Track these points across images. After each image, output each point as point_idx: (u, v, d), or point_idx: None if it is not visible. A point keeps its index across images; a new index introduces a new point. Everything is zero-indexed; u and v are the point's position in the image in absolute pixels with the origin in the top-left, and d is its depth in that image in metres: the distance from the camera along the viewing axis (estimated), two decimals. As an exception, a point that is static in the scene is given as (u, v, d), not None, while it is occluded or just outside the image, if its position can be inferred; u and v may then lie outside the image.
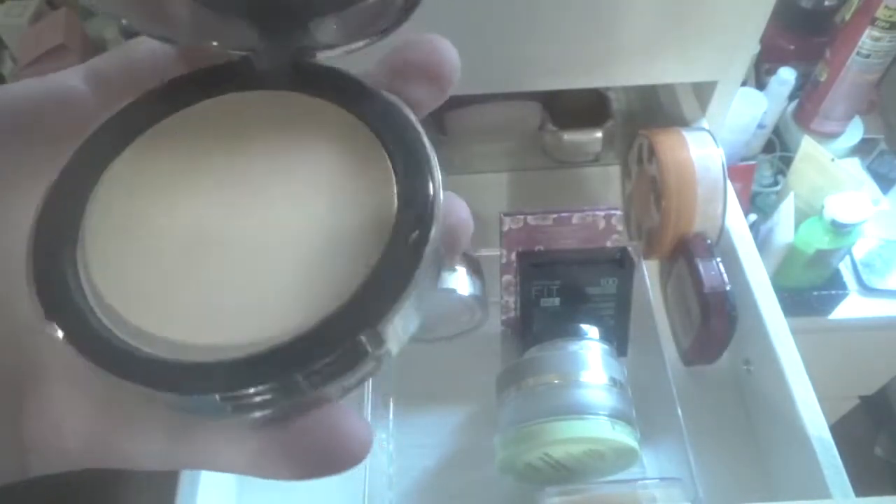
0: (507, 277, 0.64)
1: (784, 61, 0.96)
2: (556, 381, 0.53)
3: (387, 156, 0.19)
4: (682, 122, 0.74)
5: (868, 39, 0.84)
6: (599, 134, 0.80)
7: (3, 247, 0.19)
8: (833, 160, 0.83)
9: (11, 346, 0.18)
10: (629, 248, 0.62)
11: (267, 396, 0.16)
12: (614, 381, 0.53)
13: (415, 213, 0.18)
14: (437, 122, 0.82)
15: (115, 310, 0.17)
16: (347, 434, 0.17)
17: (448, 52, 0.20)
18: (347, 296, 0.17)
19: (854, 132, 0.99)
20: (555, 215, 0.61)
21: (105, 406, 0.18)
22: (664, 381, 0.59)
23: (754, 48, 0.91)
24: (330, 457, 0.17)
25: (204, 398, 0.16)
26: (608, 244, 0.63)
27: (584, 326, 0.57)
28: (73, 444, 0.18)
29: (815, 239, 0.80)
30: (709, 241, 0.63)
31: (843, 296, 0.88)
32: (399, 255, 0.17)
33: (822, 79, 0.92)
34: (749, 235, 0.65)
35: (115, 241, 0.19)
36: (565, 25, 0.62)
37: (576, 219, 0.62)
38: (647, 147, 0.67)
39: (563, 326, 0.57)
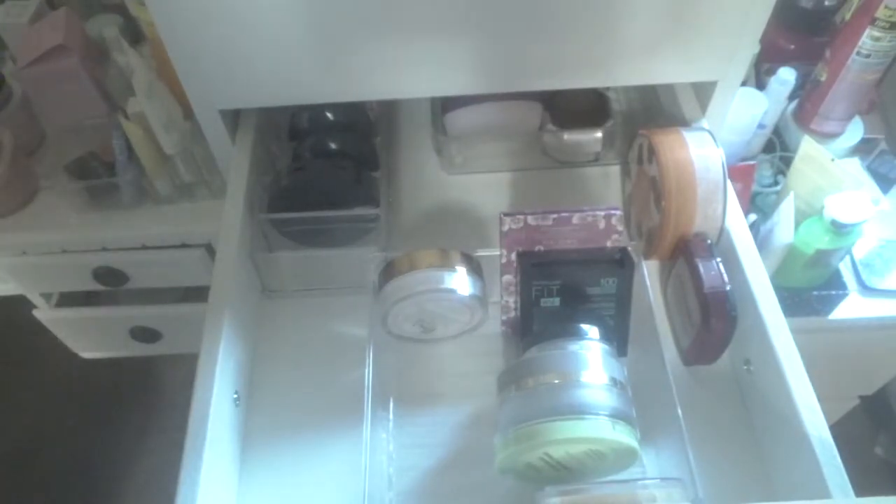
0: (507, 277, 0.64)
1: (784, 61, 0.96)
2: (556, 381, 0.53)
3: None
4: (682, 122, 0.74)
5: (868, 39, 0.84)
6: (599, 134, 0.80)
7: None
8: (833, 160, 0.83)
9: None
10: (629, 248, 0.62)
11: None
12: (614, 381, 0.53)
13: None
14: (437, 122, 0.82)
15: None
16: None
17: None
18: None
19: (854, 132, 0.98)
20: (555, 215, 0.61)
21: None
22: (664, 381, 0.59)
23: (754, 48, 0.91)
24: None
25: None
26: (608, 244, 0.63)
27: (584, 326, 0.57)
28: None
29: (815, 239, 0.80)
30: (709, 241, 0.63)
31: (843, 296, 0.88)
32: None
33: (822, 79, 0.92)
34: (749, 235, 0.65)
35: None
36: (566, 25, 0.62)
37: (576, 219, 0.62)
38: (647, 147, 0.67)
39: (563, 326, 0.57)
